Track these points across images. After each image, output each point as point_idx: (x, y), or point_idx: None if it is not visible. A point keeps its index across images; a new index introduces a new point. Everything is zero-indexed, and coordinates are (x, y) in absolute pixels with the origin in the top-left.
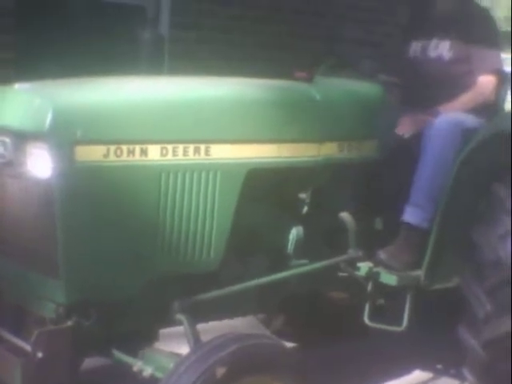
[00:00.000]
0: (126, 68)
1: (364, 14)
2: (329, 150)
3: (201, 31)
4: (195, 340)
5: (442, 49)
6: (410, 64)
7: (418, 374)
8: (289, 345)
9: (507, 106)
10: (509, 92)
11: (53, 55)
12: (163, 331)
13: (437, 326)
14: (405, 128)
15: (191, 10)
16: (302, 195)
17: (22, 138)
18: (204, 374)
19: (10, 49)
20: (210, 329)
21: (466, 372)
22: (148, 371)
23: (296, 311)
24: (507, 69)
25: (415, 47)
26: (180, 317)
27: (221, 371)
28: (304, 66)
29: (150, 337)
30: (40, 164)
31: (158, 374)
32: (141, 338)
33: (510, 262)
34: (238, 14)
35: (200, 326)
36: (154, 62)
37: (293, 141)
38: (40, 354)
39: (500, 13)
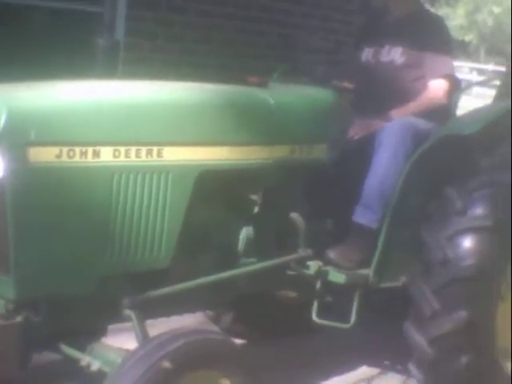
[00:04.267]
0: (82, 72)
1: (318, 22)
2: (280, 153)
3: (155, 39)
4: (143, 336)
5: (394, 54)
6: (363, 69)
7: (365, 370)
8: (238, 342)
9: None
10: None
11: (8, 58)
12: (113, 327)
13: (384, 323)
14: (357, 131)
15: (146, 18)
16: (253, 196)
17: None
18: (151, 369)
19: None
20: (159, 325)
21: (412, 368)
22: (96, 366)
23: (245, 309)
24: (460, 76)
25: (367, 53)
26: (129, 313)
27: (168, 366)
28: (258, 73)
29: (98, 332)
30: None
31: (106, 369)
32: (89, 333)
33: (457, 262)
34: (192, 22)
35: (149, 322)
36: (109, 67)
37: (244, 143)
38: None
39: (456, 21)
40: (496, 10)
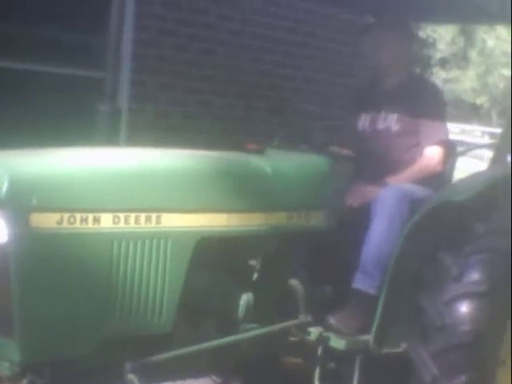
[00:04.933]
0: (83, 140)
1: (317, 87)
2: (277, 220)
3: (159, 104)
4: None
5: (390, 121)
6: (359, 136)
7: None
8: None
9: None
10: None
11: (8, 124)
12: None
13: None
14: (354, 198)
15: (150, 83)
16: (252, 262)
17: None
18: None
19: None
20: None
21: None
22: None
23: (252, 375)
24: (472, 139)
25: (364, 120)
26: (131, 377)
27: None
28: (258, 138)
29: None
30: None
31: None
32: None
33: (454, 327)
34: (195, 87)
35: None
36: (111, 134)
37: (242, 211)
38: None
39: (467, 84)
40: (506, 73)
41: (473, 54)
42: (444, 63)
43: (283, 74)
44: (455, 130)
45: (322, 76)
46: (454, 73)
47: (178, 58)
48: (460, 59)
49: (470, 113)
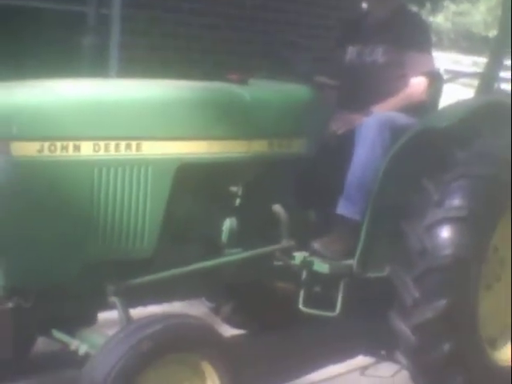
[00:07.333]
0: (71, 73)
1: (311, 20)
2: (258, 147)
3: (151, 37)
4: (127, 320)
5: (377, 54)
6: (347, 68)
7: (359, 359)
8: (237, 332)
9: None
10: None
11: None
12: (106, 316)
13: (372, 312)
14: (338, 125)
15: (142, 17)
16: (234, 189)
17: None
18: (131, 350)
19: None
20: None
21: (399, 356)
22: (83, 349)
23: (244, 300)
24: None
25: (351, 52)
26: (114, 299)
27: (147, 347)
28: (245, 70)
29: (88, 320)
30: None
31: (92, 351)
32: (80, 320)
33: (434, 251)
34: (186, 21)
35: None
36: (97, 67)
37: (222, 138)
38: None
39: (478, 16)
40: None
41: None
42: None
43: (277, 7)
44: (467, 62)
45: (316, 9)
46: (464, 6)
47: None
48: None
49: (482, 45)
